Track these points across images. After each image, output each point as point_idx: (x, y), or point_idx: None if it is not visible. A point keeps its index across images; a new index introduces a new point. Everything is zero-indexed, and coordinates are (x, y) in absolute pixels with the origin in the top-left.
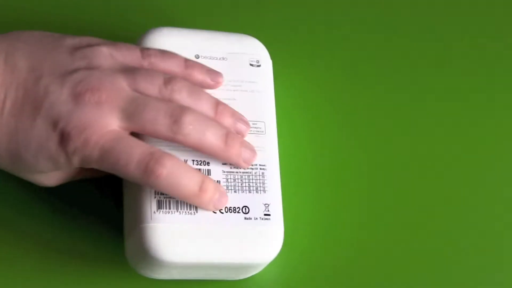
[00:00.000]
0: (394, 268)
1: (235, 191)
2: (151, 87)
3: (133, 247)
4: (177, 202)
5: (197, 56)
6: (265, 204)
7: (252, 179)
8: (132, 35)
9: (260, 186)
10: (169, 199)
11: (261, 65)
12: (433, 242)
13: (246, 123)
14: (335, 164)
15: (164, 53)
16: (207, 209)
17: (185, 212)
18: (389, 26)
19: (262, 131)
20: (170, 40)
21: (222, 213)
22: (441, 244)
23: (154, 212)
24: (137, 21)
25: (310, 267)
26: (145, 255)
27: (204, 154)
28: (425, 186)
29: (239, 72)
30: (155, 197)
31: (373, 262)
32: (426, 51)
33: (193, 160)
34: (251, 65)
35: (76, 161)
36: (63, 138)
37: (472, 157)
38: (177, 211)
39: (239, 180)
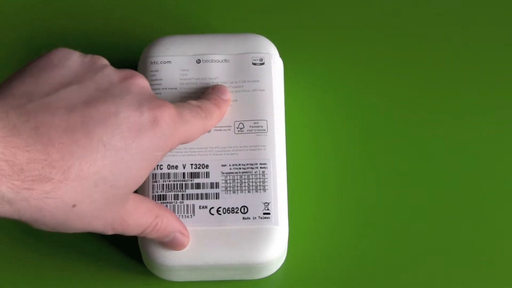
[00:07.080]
0: (399, 271)
1: (234, 192)
2: None
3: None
4: (174, 206)
5: (198, 61)
6: (264, 203)
7: (252, 178)
8: (142, 41)
9: (260, 185)
10: (167, 204)
11: (265, 63)
12: (438, 249)
13: None
14: (341, 165)
15: None
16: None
17: (182, 215)
18: (403, 29)
19: (264, 130)
20: (172, 48)
21: (220, 214)
22: (447, 251)
23: None
24: (153, 27)
25: (315, 269)
26: (145, 258)
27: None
28: (430, 193)
29: (241, 72)
30: None
31: (378, 265)
32: (446, 58)
33: (192, 164)
34: (254, 64)
35: None
36: None
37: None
38: None
39: (238, 181)
